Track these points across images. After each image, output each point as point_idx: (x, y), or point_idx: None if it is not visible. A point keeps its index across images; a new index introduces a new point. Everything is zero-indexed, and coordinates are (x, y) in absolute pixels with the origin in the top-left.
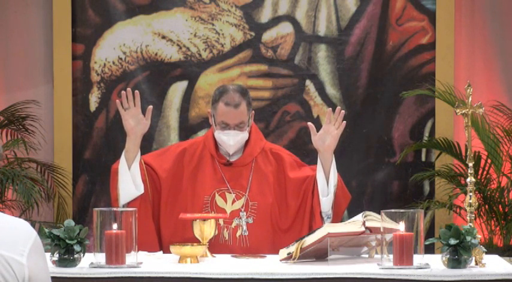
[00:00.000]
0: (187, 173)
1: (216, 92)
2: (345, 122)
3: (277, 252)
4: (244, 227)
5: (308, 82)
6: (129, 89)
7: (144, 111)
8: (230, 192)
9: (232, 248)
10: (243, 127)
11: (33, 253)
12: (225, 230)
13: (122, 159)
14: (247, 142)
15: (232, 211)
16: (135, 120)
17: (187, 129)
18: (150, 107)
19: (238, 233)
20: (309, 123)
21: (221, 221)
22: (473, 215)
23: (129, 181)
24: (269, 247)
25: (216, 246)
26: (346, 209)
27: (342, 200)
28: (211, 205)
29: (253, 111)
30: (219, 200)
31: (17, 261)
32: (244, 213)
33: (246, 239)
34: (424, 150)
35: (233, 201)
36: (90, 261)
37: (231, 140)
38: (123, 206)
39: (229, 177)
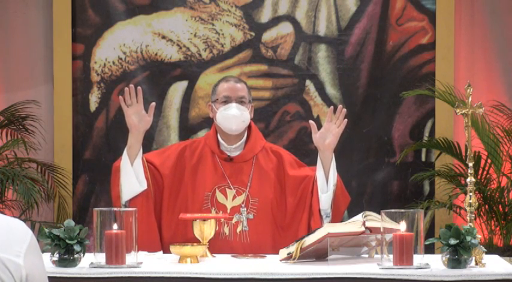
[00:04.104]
0: (188, 169)
1: (215, 83)
2: (346, 120)
3: (277, 249)
4: (245, 223)
5: (308, 82)
6: (131, 86)
7: (146, 109)
8: (231, 188)
9: (233, 243)
10: (244, 103)
11: (29, 253)
12: (226, 225)
13: (124, 156)
14: (248, 138)
15: (233, 207)
16: (137, 117)
17: (187, 129)
18: (153, 103)
19: (239, 229)
20: (310, 121)
21: None
22: (473, 215)
23: (132, 177)
24: (269, 243)
25: (217, 242)
26: (346, 209)
27: (341, 201)
28: (212, 201)
29: (253, 105)
30: (219, 196)
31: (13, 262)
32: (245, 209)
33: (246, 235)
34: (424, 150)
35: (234, 197)
36: (90, 261)
37: (234, 110)
38: (125, 203)
39: (230, 173)
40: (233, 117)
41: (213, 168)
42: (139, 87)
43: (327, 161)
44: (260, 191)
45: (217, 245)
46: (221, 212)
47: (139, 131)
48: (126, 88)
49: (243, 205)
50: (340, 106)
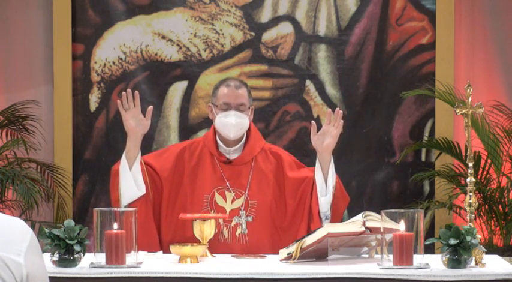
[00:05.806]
0: (187, 171)
1: (216, 84)
2: (342, 121)
3: (276, 251)
4: (244, 226)
5: (308, 82)
6: (129, 90)
7: (144, 112)
8: (230, 191)
9: (232, 246)
10: (243, 110)
11: (30, 252)
12: (225, 228)
13: (123, 160)
14: (247, 140)
15: (232, 210)
16: (135, 121)
17: (187, 129)
18: (151, 107)
19: (238, 232)
20: (312, 122)
21: (221, 220)
22: (473, 215)
23: (130, 181)
24: (268, 246)
25: (216, 244)
26: (346, 209)
27: (341, 202)
28: (211, 204)
29: (253, 107)
30: (218, 199)
31: (14, 261)
32: (244, 212)
33: (245, 238)
34: (424, 150)
35: (233, 200)
36: (90, 261)
37: (232, 119)
38: (125, 207)
39: (229, 175)
40: (231, 125)
41: (212, 170)
42: (136, 91)
43: (326, 163)
44: (259, 193)
45: (216, 248)
46: (220, 214)
47: (137, 135)
48: (124, 92)
49: (242, 208)
50: (337, 108)
